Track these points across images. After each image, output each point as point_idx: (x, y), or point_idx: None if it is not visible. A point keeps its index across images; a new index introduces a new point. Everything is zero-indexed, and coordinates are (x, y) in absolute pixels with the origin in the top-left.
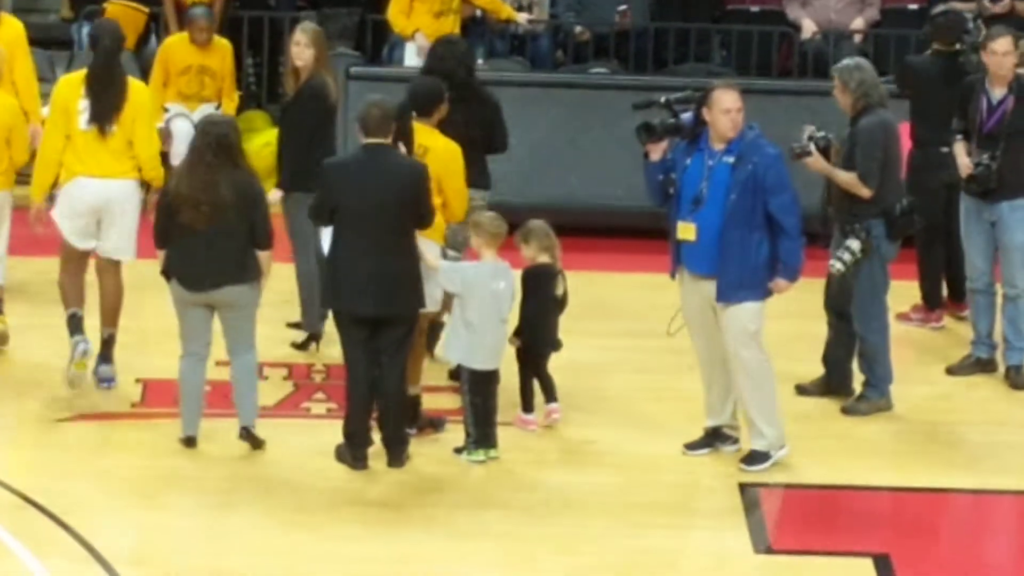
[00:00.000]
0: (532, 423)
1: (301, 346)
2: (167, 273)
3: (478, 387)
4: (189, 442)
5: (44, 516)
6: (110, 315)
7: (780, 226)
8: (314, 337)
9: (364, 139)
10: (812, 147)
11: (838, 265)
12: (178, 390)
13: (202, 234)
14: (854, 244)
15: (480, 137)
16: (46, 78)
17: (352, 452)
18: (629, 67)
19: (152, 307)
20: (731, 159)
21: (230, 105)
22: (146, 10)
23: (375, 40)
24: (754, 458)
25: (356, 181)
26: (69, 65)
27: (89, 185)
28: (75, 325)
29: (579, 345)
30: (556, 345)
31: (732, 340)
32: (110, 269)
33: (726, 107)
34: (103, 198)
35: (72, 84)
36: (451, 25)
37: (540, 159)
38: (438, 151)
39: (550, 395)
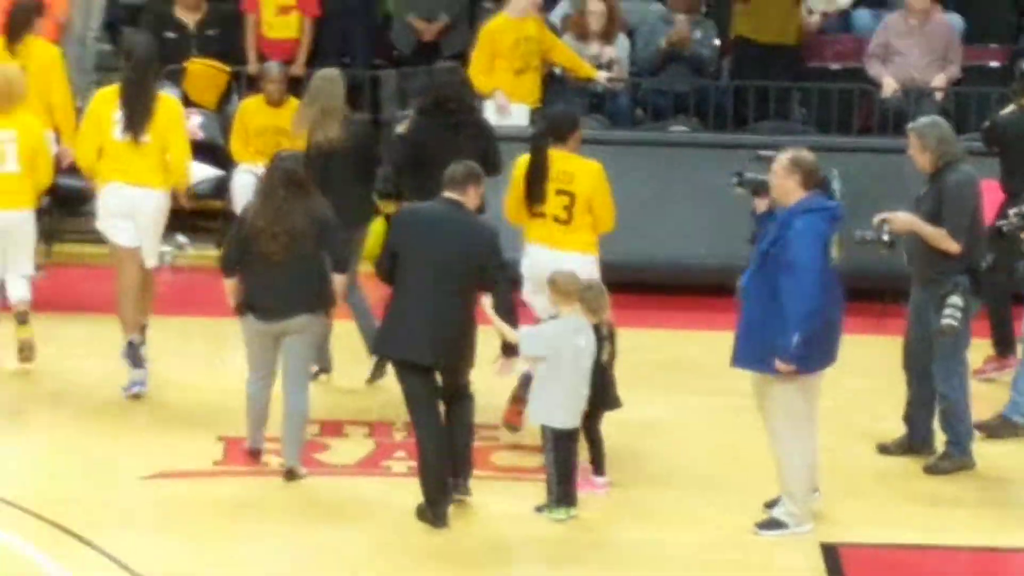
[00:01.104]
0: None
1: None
2: (241, 307)
3: (560, 445)
4: (255, 455)
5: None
6: (142, 309)
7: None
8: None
9: (444, 192)
10: (882, 236)
11: (952, 323)
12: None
13: (279, 264)
14: (958, 300)
15: (481, 161)
16: None
17: (433, 510)
18: (708, 125)
19: (232, 365)
20: (776, 227)
21: None
22: (227, 69)
23: None
24: (770, 524)
25: (424, 231)
26: None
27: (122, 191)
28: (134, 357)
29: (658, 403)
30: (614, 403)
31: (765, 407)
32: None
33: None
34: (134, 205)
35: (106, 97)
36: (531, 83)
37: (621, 217)
38: (584, 174)
39: (600, 467)
